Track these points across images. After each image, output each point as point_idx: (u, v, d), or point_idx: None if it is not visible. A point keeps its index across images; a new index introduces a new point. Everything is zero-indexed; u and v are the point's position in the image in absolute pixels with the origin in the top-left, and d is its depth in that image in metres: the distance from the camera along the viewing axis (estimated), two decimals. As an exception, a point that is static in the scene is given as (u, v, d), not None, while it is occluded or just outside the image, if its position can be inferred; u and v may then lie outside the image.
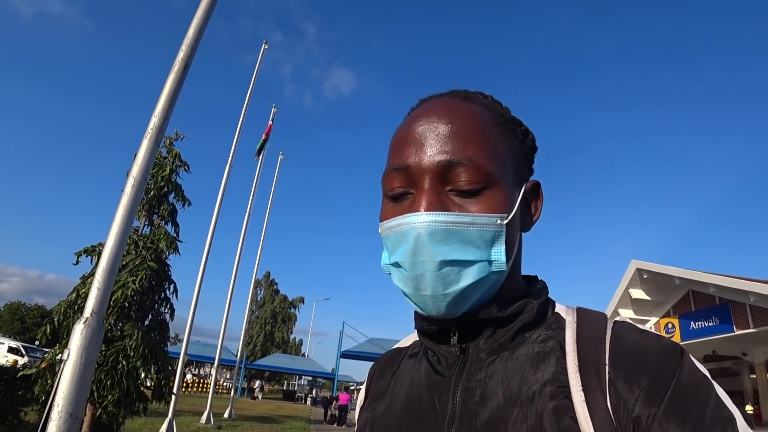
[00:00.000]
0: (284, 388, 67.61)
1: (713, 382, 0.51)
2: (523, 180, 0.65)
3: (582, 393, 0.51)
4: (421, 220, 0.55)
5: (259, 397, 43.22)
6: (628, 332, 0.56)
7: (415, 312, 0.66)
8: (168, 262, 7.85)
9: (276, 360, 48.30)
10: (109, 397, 6.09)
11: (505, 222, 0.58)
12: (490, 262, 0.57)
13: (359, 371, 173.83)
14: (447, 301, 0.56)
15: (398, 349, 0.78)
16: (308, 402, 45.01)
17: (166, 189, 8.24)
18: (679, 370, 0.51)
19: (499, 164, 0.59)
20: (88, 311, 3.87)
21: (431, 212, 0.55)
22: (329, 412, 23.04)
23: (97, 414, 6.14)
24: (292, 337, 64.77)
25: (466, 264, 0.56)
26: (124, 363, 6.27)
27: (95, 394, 5.96)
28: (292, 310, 62.34)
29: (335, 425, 21.12)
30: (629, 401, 0.50)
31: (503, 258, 0.57)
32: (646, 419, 0.48)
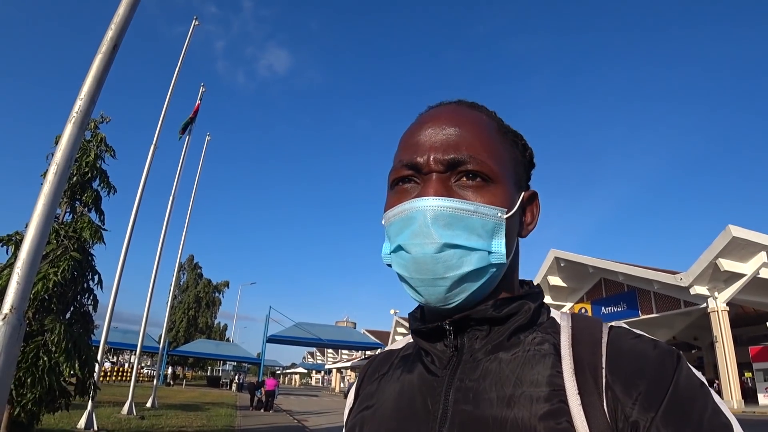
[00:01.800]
0: (208, 374, 65.90)
1: (710, 388, 0.52)
2: (521, 188, 0.68)
3: (578, 396, 0.52)
4: (428, 204, 0.58)
5: (171, 383, 42.02)
6: (624, 336, 0.57)
7: (410, 314, 0.71)
8: (92, 251, 7.45)
9: (200, 346, 47.04)
10: (29, 395, 5.75)
11: (506, 216, 0.61)
12: (490, 253, 0.59)
13: (285, 355, 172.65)
14: (446, 286, 0.58)
15: (390, 350, 0.78)
16: (233, 388, 44.21)
17: (90, 175, 7.77)
18: (677, 376, 0.52)
19: (501, 166, 0.63)
20: (6, 307, 3.64)
21: (438, 197, 0.59)
22: (256, 398, 22.81)
23: (15, 413, 5.79)
24: (216, 322, 63.27)
25: (467, 250, 0.58)
26: (45, 359, 5.92)
27: (14, 392, 5.60)
28: (217, 294, 60.77)
29: (262, 411, 20.93)
30: (627, 405, 0.50)
31: (503, 250, 0.60)
32: (644, 424, 0.49)
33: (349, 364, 60.06)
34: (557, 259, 28.48)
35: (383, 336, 64.84)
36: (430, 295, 0.59)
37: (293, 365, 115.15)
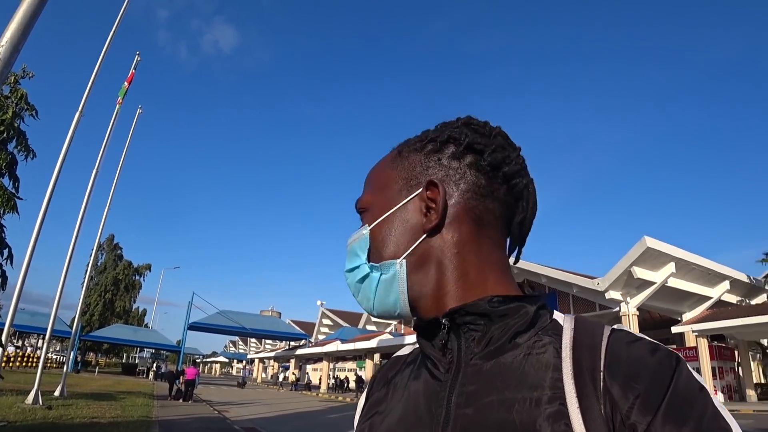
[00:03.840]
0: (123, 361, 62.78)
1: (710, 392, 0.52)
2: (413, 186, 0.69)
3: (577, 400, 0.52)
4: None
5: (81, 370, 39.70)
6: (624, 339, 0.57)
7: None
8: (2, 222, 6.74)
9: (116, 331, 44.75)
10: None
11: (369, 229, 0.70)
12: (366, 264, 0.69)
13: (207, 344, 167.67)
14: (361, 298, 0.70)
15: (398, 357, 0.79)
16: (150, 376, 42.34)
17: (5, 135, 6.96)
18: (676, 379, 0.51)
19: (376, 191, 0.73)
20: None
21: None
22: (175, 387, 21.92)
23: None
24: (135, 306, 60.32)
25: (354, 269, 0.70)
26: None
27: None
28: (137, 277, 57.99)
29: (181, 401, 20.14)
30: (624, 408, 0.50)
31: (365, 258, 0.69)
32: (642, 427, 0.49)
33: (272, 354, 59.16)
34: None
35: (309, 327, 64.50)
36: (366, 308, 0.71)
37: (214, 354, 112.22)
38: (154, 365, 45.42)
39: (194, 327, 41.21)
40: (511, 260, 0.72)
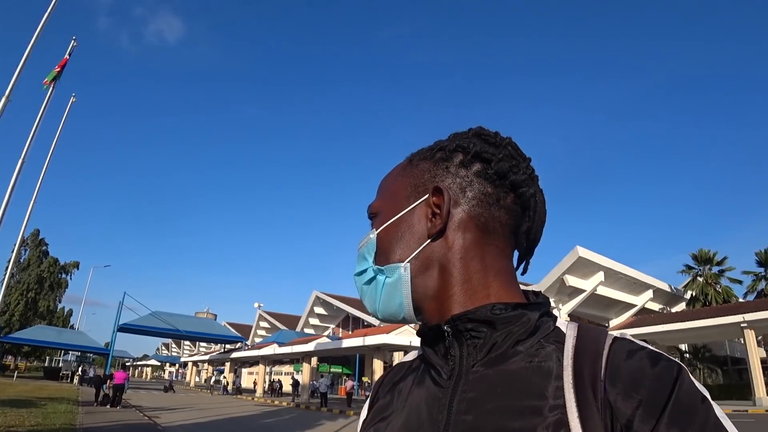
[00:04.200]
0: (45, 365, 59.11)
1: (712, 402, 0.52)
2: (420, 194, 0.71)
3: (577, 409, 0.52)
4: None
5: None
6: (626, 348, 0.56)
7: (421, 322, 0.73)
8: None
9: (38, 333, 41.87)
10: None
11: (376, 233, 0.73)
12: (372, 267, 0.71)
13: (138, 346, 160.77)
14: (366, 302, 0.72)
15: (402, 363, 0.80)
16: (75, 381, 40.10)
17: None
18: (677, 389, 0.51)
19: (386, 197, 0.76)
20: None
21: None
22: (102, 392, 20.88)
23: None
24: (60, 306, 57.02)
25: (362, 272, 0.72)
26: None
27: None
28: (64, 275, 54.80)
29: (108, 407, 19.22)
30: (624, 418, 0.50)
31: (372, 262, 0.72)
32: None
33: (207, 357, 57.47)
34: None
35: (245, 329, 63.10)
36: (372, 312, 0.72)
37: (145, 357, 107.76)
38: (80, 369, 43.06)
39: (125, 329, 39.45)
40: (519, 270, 0.72)
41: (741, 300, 31.18)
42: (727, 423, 0.50)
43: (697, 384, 0.53)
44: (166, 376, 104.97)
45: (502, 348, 0.60)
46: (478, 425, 0.56)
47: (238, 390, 42.11)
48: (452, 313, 0.63)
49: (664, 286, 31.16)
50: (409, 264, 0.68)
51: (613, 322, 28.52)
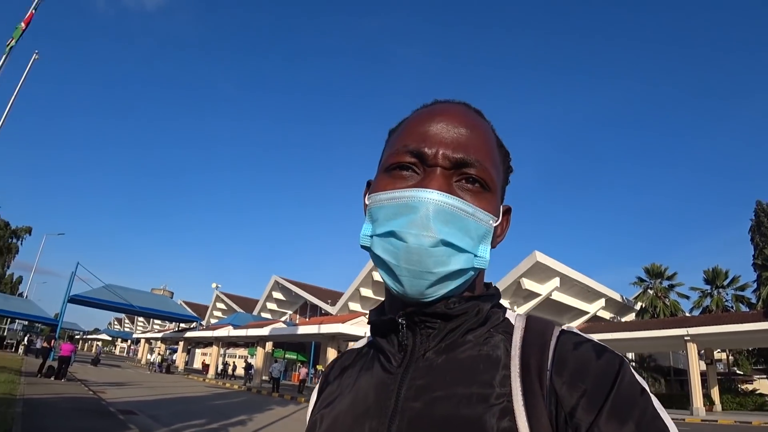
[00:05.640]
0: (-11, 332, 56.90)
1: (651, 394, 0.54)
2: (501, 200, 0.70)
3: (522, 397, 0.54)
4: (432, 197, 0.59)
5: None
6: (572, 340, 0.59)
7: (371, 310, 0.72)
8: None
9: (-17, 298, 40.39)
10: None
11: (495, 224, 0.64)
12: (475, 256, 0.61)
13: (89, 319, 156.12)
14: (431, 281, 0.59)
15: (352, 350, 0.80)
16: (21, 351, 38.79)
17: None
18: (619, 380, 0.53)
19: (497, 176, 0.66)
20: None
21: (442, 193, 0.59)
22: (47, 364, 20.31)
23: None
24: (9, 272, 54.94)
25: (459, 250, 0.59)
26: None
27: None
28: (14, 240, 52.63)
29: (53, 379, 18.72)
30: (569, 407, 0.52)
31: (487, 256, 0.62)
32: (585, 426, 0.50)
33: (160, 335, 56.42)
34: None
35: (201, 309, 62.11)
36: (413, 286, 0.60)
37: (96, 330, 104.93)
38: (26, 339, 41.65)
39: (75, 300, 38.16)
40: None
41: (687, 314, 32.52)
42: (663, 414, 0.52)
43: (637, 376, 0.55)
44: (117, 352, 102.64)
45: (454, 337, 0.62)
46: (426, 412, 0.57)
47: (168, 369, 41.33)
48: (409, 306, 0.63)
49: (616, 296, 32.21)
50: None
51: (565, 327, 29.29)
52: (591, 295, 30.14)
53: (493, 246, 0.66)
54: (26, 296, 56.15)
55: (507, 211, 0.72)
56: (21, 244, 53.41)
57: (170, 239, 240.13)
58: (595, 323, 29.92)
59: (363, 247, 0.65)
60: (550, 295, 26.52)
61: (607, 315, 32.92)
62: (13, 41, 15.40)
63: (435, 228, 0.58)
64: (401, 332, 0.64)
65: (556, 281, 26.29)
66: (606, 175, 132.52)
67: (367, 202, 0.66)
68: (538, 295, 26.33)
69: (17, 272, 63.67)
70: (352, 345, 0.84)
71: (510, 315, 0.67)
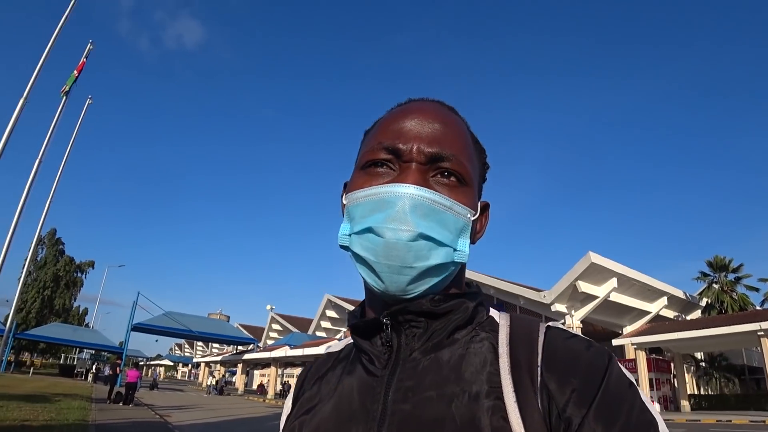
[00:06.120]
0: (60, 362, 59.84)
1: (638, 387, 0.56)
2: (479, 196, 0.69)
3: (514, 394, 0.54)
4: (409, 191, 0.58)
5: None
6: (560, 336, 0.60)
7: (349, 312, 0.70)
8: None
9: (54, 330, 42.63)
10: None
11: (473, 218, 0.63)
12: (455, 250, 0.61)
13: (151, 346, 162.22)
14: (411, 276, 0.58)
15: (330, 353, 0.77)
16: (90, 378, 40.55)
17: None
18: (608, 375, 0.54)
19: (473, 170, 0.65)
20: None
21: (418, 186, 0.59)
22: (114, 390, 21.13)
23: None
24: (75, 304, 57.75)
25: (438, 243, 0.59)
26: None
27: None
28: (79, 274, 55.61)
29: (121, 404, 19.44)
30: (560, 402, 0.53)
31: (467, 250, 0.62)
32: (576, 420, 0.51)
33: (219, 358, 57.82)
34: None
35: (257, 331, 63.33)
36: (393, 282, 0.58)
37: (159, 357, 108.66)
38: (94, 367, 43.55)
39: (138, 328, 39.81)
40: None
41: (758, 308, 30.69)
42: (651, 407, 0.54)
43: (624, 371, 0.57)
44: (179, 376, 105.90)
45: (439, 337, 0.61)
46: (416, 414, 0.55)
47: (221, 391, 42.13)
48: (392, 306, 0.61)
49: (679, 293, 30.70)
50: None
51: (627, 329, 28.15)
52: (651, 293, 28.82)
53: (472, 242, 0.66)
54: (92, 327, 58.89)
55: (485, 207, 0.71)
56: (85, 277, 56.35)
57: (225, 266, 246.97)
58: (659, 323, 28.57)
59: (342, 246, 0.64)
60: (608, 296, 25.52)
61: (670, 314, 31.38)
62: (67, 87, 16.36)
63: (413, 222, 0.57)
64: (385, 333, 0.62)
65: (613, 282, 25.29)
66: (647, 173, 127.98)
67: (344, 202, 0.65)
68: (595, 297, 25.38)
69: (83, 304, 66.86)
70: (330, 348, 0.79)
71: (494, 313, 0.67)
